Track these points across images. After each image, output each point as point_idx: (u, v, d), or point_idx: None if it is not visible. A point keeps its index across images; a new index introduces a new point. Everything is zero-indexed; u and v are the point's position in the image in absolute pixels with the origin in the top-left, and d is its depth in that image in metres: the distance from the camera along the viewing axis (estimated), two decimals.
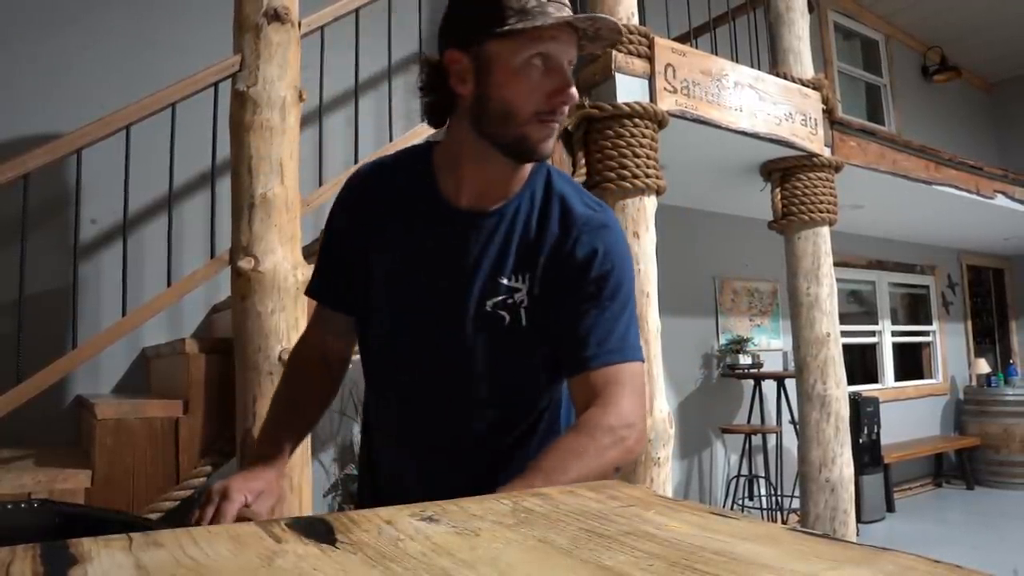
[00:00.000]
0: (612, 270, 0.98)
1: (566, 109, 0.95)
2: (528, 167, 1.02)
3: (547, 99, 0.93)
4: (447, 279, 1.01)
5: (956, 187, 4.58)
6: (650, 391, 2.60)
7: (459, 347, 1.01)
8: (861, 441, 5.07)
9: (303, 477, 1.91)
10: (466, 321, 1.00)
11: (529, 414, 1.07)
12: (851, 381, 4.64)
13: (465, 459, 1.06)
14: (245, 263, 1.92)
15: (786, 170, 3.58)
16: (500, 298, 0.99)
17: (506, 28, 0.89)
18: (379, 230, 1.06)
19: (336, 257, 1.12)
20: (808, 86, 3.54)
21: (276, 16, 2.03)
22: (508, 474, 0.90)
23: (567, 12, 0.91)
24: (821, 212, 3.50)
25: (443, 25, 1.00)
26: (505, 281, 0.99)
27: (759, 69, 3.39)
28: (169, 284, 2.15)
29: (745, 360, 4.76)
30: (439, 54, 0.99)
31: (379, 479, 1.17)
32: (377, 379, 1.13)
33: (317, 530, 0.59)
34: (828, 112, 3.64)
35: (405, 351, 1.06)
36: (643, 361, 1.00)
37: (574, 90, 0.94)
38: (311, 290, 1.16)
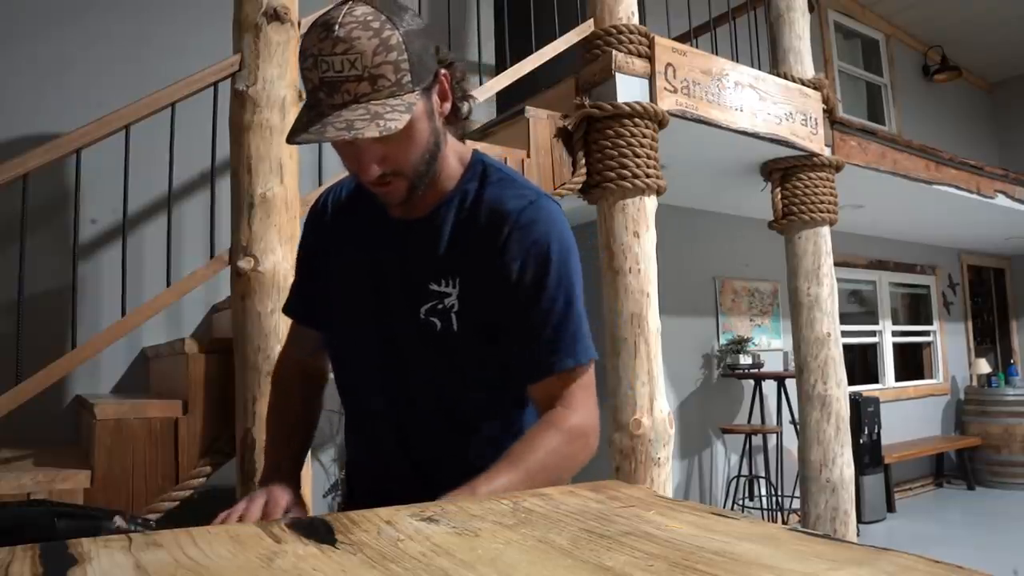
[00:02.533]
0: (549, 270, 0.96)
1: (381, 178, 0.92)
2: (451, 169, 1.01)
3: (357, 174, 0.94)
4: (385, 288, 1.03)
5: (957, 187, 4.58)
6: (650, 391, 2.60)
7: (400, 355, 1.03)
8: (862, 441, 5.07)
9: (303, 477, 1.90)
10: (404, 329, 1.01)
11: (479, 421, 1.05)
12: (851, 381, 4.64)
13: (422, 465, 1.06)
14: (245, 263, 1.92)
15: (786, 170, 3.58)
16: (431, 304, 0.99)
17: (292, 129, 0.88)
18: (340, 246, 1.10)
19: (306, 275, 1.17)
20: (808, 86, 3.54)
21: (276, 16, 2.03)
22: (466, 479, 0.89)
23: (336, 97, 0.85)
24: (821, 212, 3.50)
25: None
26: (434, 287, 0.99)
27: (759, 69, 3.39)
28: (169, 284, 2.15)
29: (745, 360, 4.75)
30: None
31: (354, 480, 1.20)
32: (341, 388, 1.16)
33: (317, 530, 0.59)
34: (828, 112, 3.64)
35: (358, 361, 1.09)
36: (596, 358, 1.01)
37: (366, 174, 0.91)
38: (288, 309, 1.21)
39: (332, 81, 0.84)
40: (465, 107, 1.02)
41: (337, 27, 0.84)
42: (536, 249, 0.96)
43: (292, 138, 0.87)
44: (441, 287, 0.99)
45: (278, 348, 1.89)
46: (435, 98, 0.95)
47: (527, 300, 0.96)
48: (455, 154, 1.03)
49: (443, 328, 0.98)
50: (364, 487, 1.15)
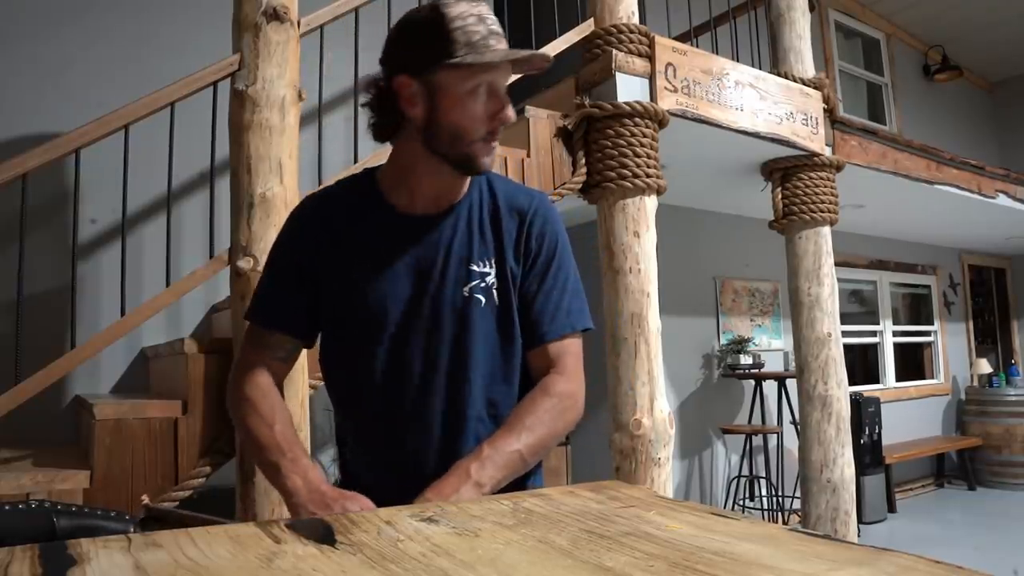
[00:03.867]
0: (555, 251, 1.16)
1: (502, 128, 1.09)
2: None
3: (489, 121, 1.06)
4: (425, 276, 1.11)
5: (958, 187, 4.58)
6: (650, 391, 2.60)
7: (450, 334, 1.10)
8: (862, 441, 5.07)
9: None
10: (452, 308, 1.10)
11: (512, 392, 1.15)
12: (852, 381, 4.63)
13: (456, 446, 1.09)
14: (244, 263, 1.92)
15: (787, 170, 3.58)
16: (474, 283, 1.11)
17: (455, 60, 1.01)
18: (334, 253, 1.13)
19: (290, 285, 1.15)
20: (809, 85, 3.53)
21: (275, 15, 2.02)
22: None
23: (504, 46, 1.05)
24: (822, 212, 3.49)
25: (391, 51, 1.09)
26: (475, 267, 1.12)
27: (760, 68, 3.39)
28: (168, 284, 2.14)
29: (746, 360, 4.75)
30: (386, 78, 1.08)
31: (358, 470, 1.18)
32: (358, 394, 1.14)
33: (317, 531, 0.59)
34: (829, 111, 3.64)
35: (398, 354, 1.10)
36: (590, 327, 1.18)
37: (511, 112, 1.08)
38: (265, 320, 1.16)
39: (498, 32, 1.05)
40: None
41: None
42: (548, 234, 1.16)
43: (487, 59, 1.01)
44: (481, 267, 1.12)
45: None
46: None
47: (539, 274, 1.14)
48: None
49: (487, 303, 1.11)
50: (370, 481, 1.14)
